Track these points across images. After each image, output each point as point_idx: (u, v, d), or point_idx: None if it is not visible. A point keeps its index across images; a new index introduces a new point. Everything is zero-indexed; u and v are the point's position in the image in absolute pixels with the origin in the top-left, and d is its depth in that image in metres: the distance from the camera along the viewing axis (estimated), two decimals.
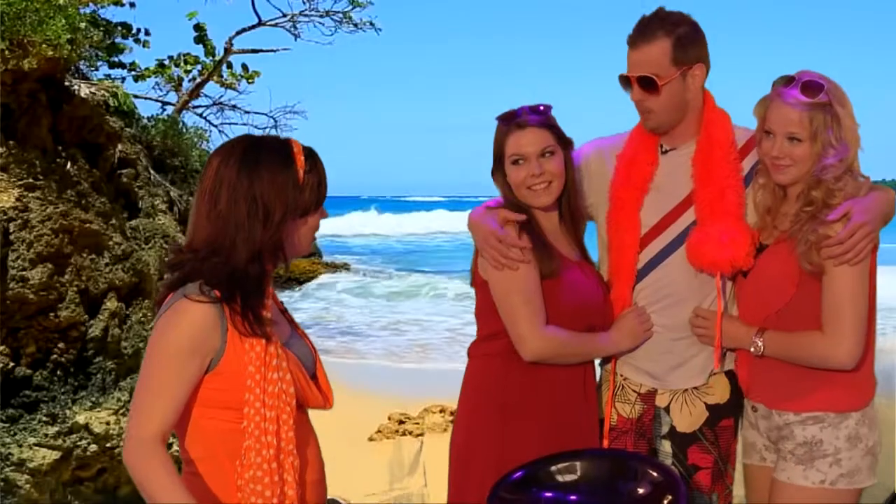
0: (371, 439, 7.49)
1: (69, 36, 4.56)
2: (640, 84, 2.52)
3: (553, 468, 2.20)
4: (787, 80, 2.45)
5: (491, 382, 2.55)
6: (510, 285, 2.48)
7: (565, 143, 2.58)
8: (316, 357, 2.12)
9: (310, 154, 2.00)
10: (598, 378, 2.72)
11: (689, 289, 2.58)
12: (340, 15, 12.05)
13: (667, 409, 2.62)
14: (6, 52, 4.37)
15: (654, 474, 2.18)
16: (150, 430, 1.84)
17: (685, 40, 2.52)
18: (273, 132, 12.71)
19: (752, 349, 2.50)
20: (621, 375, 2.66)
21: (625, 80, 2.56)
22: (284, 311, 2.12)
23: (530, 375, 2.50)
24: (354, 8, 12.00)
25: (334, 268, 20.87)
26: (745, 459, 2.70)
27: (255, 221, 1.91)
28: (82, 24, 5.04)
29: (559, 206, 2.60)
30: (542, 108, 2.57)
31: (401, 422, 7.68)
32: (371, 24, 12.11)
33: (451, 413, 7.04)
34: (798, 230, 2.42)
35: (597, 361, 2.72)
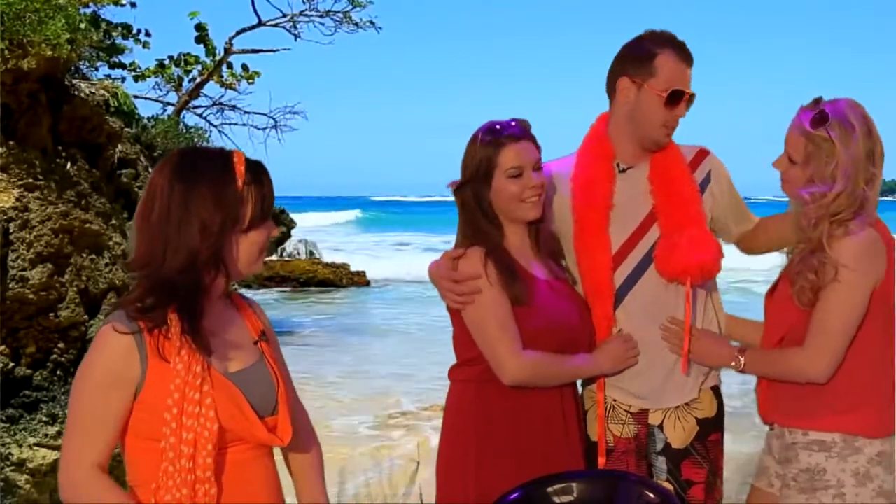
0: (371, 439, 7.49)
1: (69, 36, 4.56)
2: (690, 101, 2.59)
3: (549, 489, 2.18)
4: (814, 103, 2.43)
5: (467, 407, 2.53)
6: (483, 313, 2.45)
7: None
8: (279, 389, 1.96)
9: (254, 167, 1.91)
10: (582, 400, 2.70)
11: (666, 303, 2.58)
12: (340, 15, 12.05)
13: (660, 427, 2.63)
14: (6, 52, 4.37)
15: (651, 495, 2.18)
16: (83, 464, 1.78)
17: None
18: (273, 132, 12.73)
19: (733, 364, 2.52)
20: (611, 397, 2.65)
21: (679, 96, 2.56)
22: (258, 341, 1.99)
23: (507, 399, 2.47)
24: (354, 8, 12.01)
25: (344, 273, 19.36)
26: (755, 481, 2.66)
27: (189, 231, 1.82)
28: (82, 24, 5.04)
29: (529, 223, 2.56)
30: (524, 122, 2.54)
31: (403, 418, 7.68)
32: (371, 23, 12.12)
33: None
34: (793, 266, 2.42)
35: (579, 383, 2.69)
